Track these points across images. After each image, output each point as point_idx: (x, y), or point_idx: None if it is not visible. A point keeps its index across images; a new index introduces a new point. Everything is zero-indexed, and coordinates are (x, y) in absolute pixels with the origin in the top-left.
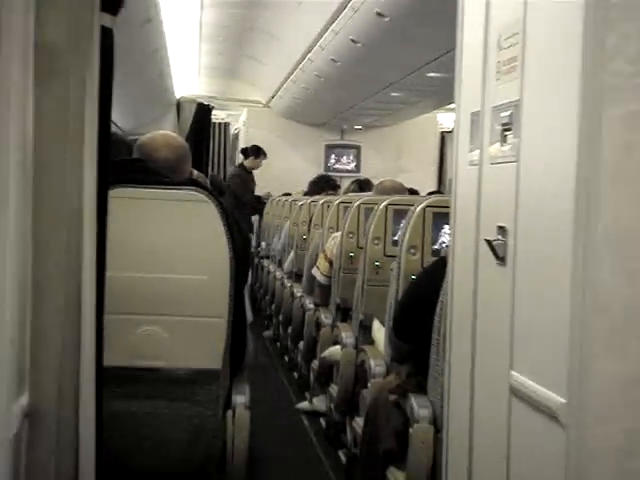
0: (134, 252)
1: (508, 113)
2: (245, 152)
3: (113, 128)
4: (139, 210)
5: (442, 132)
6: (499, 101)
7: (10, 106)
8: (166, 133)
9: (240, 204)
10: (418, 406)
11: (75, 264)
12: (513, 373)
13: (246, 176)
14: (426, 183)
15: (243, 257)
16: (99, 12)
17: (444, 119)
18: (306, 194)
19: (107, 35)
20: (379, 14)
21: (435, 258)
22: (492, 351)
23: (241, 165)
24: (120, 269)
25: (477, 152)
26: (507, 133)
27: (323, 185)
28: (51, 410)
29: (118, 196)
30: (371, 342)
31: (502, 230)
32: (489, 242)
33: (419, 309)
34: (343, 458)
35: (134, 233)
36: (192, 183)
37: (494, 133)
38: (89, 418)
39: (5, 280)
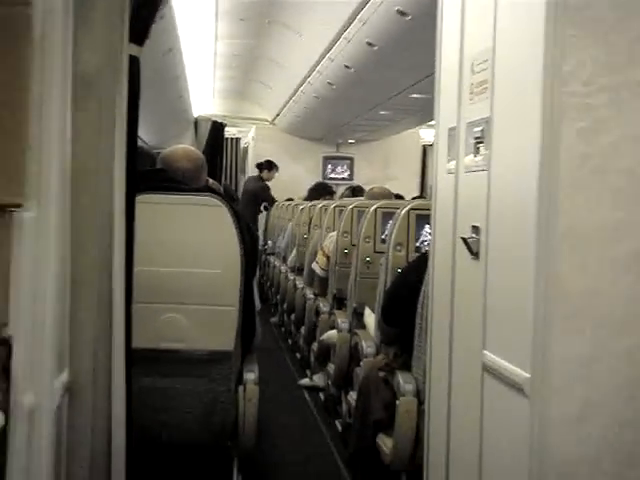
0: (158, 250)
1: (480, 128)
2: (260, 166)
3: (139, 142)
4: (162, 213)
5: (423, 145)
6: (472, 118)
7: (52, 123)
8: (185, 147)
9: (258, 204)
10: (404, 381)
11: (107, 260)
12: (485, 352)
13: (265, 187)
14: (410, 189)
15: (252, 254)
16: (128, 43)
17: (425, 134)
18: (306, 199)
19: (134, 63)
20: (369, 44)
21: (418, 254)
22: (467, 333)
23: (259, 177)
24: (146, 264)
25: (454, 162)
26: (479, 146)
27: (321, 191)
28: (88, 385)
29: (144, 201)
30: (363, 327)
31: (475, 229)
32: (464, 239)
33: (404, 298)
34: (339, 427)
35: (158, 233)
36: (208, 190)
37: (468, 146)
38: (120, 392)
39: (47, 275)
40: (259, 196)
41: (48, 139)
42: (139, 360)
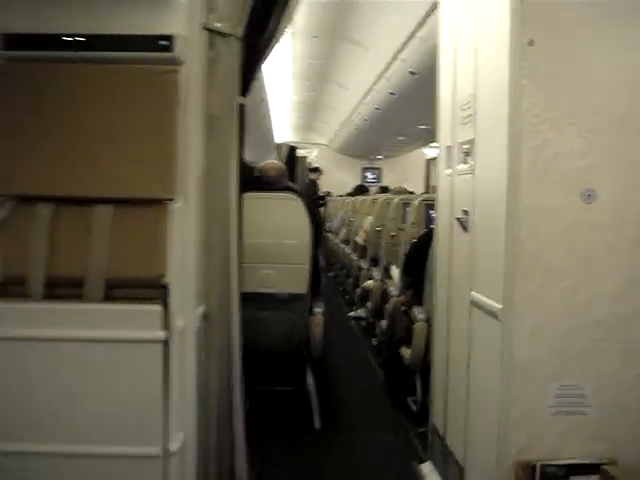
0: (258, 228)
1: (467, 146)
2: (310, 170)
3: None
4: (260, 205)
5: (427, 159)
6: (462, 139)
7: (191, 147)
8: (273, 161)
9: (310, 197)
10: (418, 313)
11: (226, 235)
12: (472, 292)
13: (313, 184)
14: (418, 188)
15: (317, 231)
16: (238, 95)
17: (428, 152)
18: (350, 195)
19: (241, 109)
20: (391, 93)
21: (426, 229)
22: (460, 280)
23: (309, 177)
24: (251, 238)
25: (450, 169)
26: (467, 157)
27: (360, 190)
28: (216, 315)
29: (249, 198)
30: (390, 278)
31: (465, 212)
32: (458, 219)
33: (418, 258)
34: (375, 343)
35: (258, 218)
36: (288, 189)
37: (460, 158)
38: (236, 320)
39: (189, 244)
40: (308, 189)
41: (189, 157)
42: (246, 299)
